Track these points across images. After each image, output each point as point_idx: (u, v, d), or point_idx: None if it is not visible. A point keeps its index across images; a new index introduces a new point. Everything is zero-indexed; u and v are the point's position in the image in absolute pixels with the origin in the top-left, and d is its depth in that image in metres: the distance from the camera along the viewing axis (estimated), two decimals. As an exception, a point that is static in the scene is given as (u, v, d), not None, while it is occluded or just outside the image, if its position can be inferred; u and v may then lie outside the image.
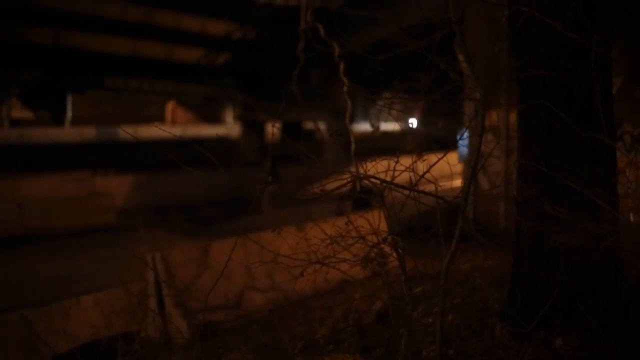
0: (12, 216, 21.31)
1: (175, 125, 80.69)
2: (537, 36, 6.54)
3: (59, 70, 63.25)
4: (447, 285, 6.13)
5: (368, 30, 32.85)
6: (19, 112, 73.63)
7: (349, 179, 5.97)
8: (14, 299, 12.91)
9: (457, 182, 19.34)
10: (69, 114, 75.38)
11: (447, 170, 7.36)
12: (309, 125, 58.09)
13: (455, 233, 6.07)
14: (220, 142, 60.17)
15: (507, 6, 6.52)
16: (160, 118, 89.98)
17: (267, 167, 25.04)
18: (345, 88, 5.91)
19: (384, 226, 7.86)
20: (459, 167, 17.93)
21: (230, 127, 75.82)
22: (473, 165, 6.00)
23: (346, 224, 6.68)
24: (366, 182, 6.10)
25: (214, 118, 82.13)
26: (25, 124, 71.87)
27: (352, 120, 6.86)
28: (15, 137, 64.15)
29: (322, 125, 47.24)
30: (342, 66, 5.86)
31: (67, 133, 66.87)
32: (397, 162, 6.19)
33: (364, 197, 7.42)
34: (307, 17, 5.72)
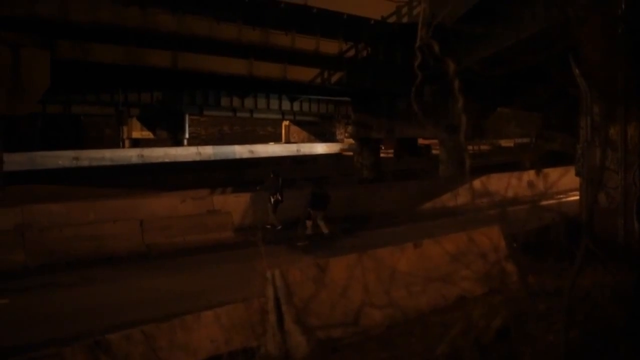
0: (133, 233, 21.87)
1: (290, 143, 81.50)
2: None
3: (177, 91, 64.84)
4: (571, 302, 6.04)
5: (482, 45, 32.62)
6: (138, 132, 75.67)
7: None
8: (135, 315, 13.25)
9: (575, 196, 18.98)
10: (187, 133, 77.07)
11: (564, 184, 7.26)
12: (423, 141, 57.92)
13: (580, 249, 5.98)
14: (335, 159, 60.56)
15: (624, 20, 6.43)
16: (275, 136, 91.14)
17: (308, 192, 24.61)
18: (460, 104, 5.89)
19: (502, 242, 7.85)
20: (576, 182, 17.64)
21: (344, 144, 76.29)
22: (596, 180, 5.91)
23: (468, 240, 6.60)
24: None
25: (329, 136, 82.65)
26: (144, 144, 73.79)
27: (467, 136, 6.82)
28: (136, 156, 65.90)
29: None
30: (457, 83, 5.85)
31: (185, 152, 68.32)
32: (517, 178, 6.12)
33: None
34: (422, 33, 5.74)
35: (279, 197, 25.01)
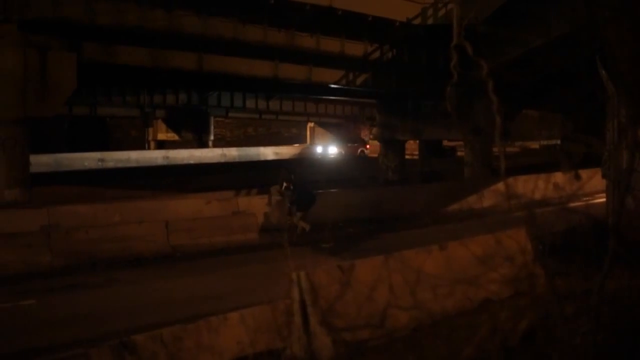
0: (159, 235, 21.93)
1: (315, 145, 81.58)
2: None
3: (203, 93, 65.13)
4: (599, 304, 5.99)
5: (508, 47, 32.54)
6: (164, 134, 76.04)
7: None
8: (161, 316, 13.29)
9: (602, 199, 18.84)
10: (212, 135, 77.33)
11: (592, 186, 7.22)
12: (448, 143, 57.79)
13: (607, 252, 5.93)
14: (361, 161, 60.53)
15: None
16: (300, 138, 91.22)
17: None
18: (495, 106, 5.86)
19: (529, 244, 7.80)
20: (603, 184, 17.52)
21: (368, 146, 76.34)
22: (623, 182, 5.87)
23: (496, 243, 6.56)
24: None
25: (353, 137, 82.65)
26: (170, 146, 74.13)
27: (494, 138, 6.80)
28: (161, 158, 66.22)
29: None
30: (490, 84, 5.82)
31: (210, 154, 68.59)
32: (544, 180, 6.08)
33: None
34: (456, 34, 5.71)
35: (291, 186, 25.01)
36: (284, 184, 24.75)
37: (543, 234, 6.78)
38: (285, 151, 74.89)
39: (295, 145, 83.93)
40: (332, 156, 72.38)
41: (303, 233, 23.54)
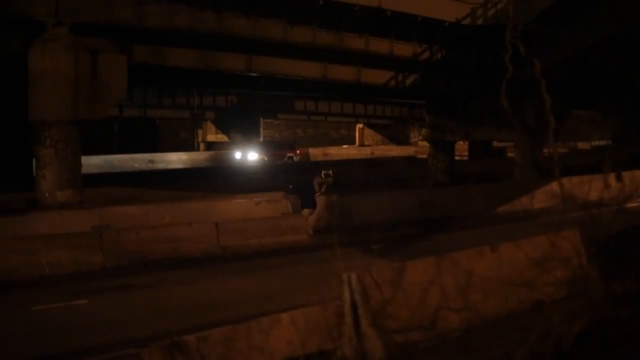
0: (209, 236, 22.04)
1: (364, 147, 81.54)
2: None
3: (252, 95, 65.37)
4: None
5: (558, 47, 32.23)
6: (213, 135, 76.60)
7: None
8: (211, 317, 13.35)
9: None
10: (261, 136, 77.71)
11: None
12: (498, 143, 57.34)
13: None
14: (409, 162, 60.33)
15: None
16: (349, 139, 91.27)
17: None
18: (547, 105, 5.77)
19: (583, 246, 7.68)
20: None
21: (418, 147, 75.90)
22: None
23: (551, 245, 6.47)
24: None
25: (402, 139, 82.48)
26: (219, 147, 74.59)
27: (544, 139, 6.70)
28: (210, 159, 66.60)
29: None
30: (543, 83, 5.74)
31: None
32: (598, 181, 5.98)
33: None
34: (508, 33, 5.64)
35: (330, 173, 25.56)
36: (323, 172, 25.30)
37: (598, 235, 6.66)
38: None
39: (345, 145, 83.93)
40: (252, 163, 62.43)
41: None
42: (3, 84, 27.29)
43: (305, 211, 25.26)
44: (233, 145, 69.03)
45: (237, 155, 65.61)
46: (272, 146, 68.13)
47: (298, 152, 68.35)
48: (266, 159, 64.29)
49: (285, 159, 65.22)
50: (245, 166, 59.38)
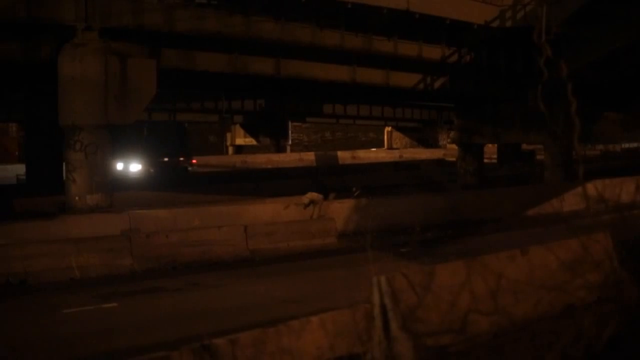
0: (238, 239, 22.09)
1: (393, 150, 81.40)
2: None
3: (280, 98, 65.49)
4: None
5: (588, 49, 32.06)
6: (242, 139, 76.97)
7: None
8: (240, 320, 13.36)
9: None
10: (289, 140, 77.87)
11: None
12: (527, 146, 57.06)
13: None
14: (438, 165, 60.17)
15: None
16: (377, 143, 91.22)
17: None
18: (573, 108, 5.75)
19: (615, 248, 7.62)
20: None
21: (447, 150, 75.61)
22: None
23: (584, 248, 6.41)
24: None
25: (431, 142, 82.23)
26: (248, 150, 74.86)
27: (580, 141, 6.67)
28: (239, 162, 66.85)
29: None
30: (570, 86, 5.71)
31: (288, 158, 68.96)
32: (631, 183, 5.93)
33: None
34: (536, 36, 5.60)
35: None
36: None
37: (630, 238, 6.60)
38: (363, 155, 73.56)
39: (374, 149, 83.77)
40: (134, 174, 50.75)
41: None
42: (35, 90, 27.53)
43: (333, 214, 25.27)
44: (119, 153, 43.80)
45: (119, 166, 49.37)
46: (161, 154, 55.58)
47: (194, 161, 60.20)
48: (152, 170, 53.28)
49: (178, 167, 56.31)
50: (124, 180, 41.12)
